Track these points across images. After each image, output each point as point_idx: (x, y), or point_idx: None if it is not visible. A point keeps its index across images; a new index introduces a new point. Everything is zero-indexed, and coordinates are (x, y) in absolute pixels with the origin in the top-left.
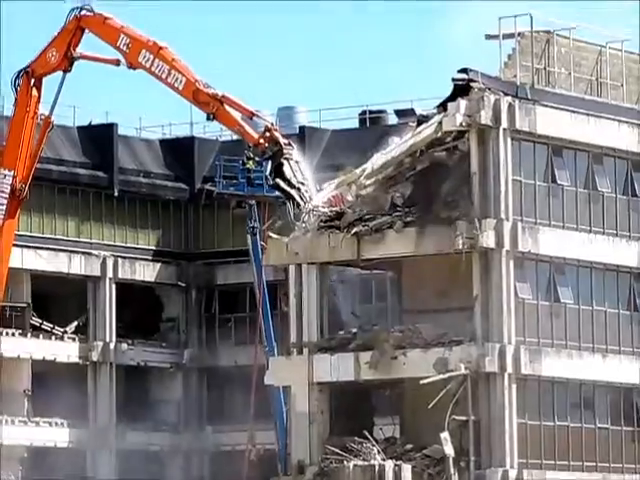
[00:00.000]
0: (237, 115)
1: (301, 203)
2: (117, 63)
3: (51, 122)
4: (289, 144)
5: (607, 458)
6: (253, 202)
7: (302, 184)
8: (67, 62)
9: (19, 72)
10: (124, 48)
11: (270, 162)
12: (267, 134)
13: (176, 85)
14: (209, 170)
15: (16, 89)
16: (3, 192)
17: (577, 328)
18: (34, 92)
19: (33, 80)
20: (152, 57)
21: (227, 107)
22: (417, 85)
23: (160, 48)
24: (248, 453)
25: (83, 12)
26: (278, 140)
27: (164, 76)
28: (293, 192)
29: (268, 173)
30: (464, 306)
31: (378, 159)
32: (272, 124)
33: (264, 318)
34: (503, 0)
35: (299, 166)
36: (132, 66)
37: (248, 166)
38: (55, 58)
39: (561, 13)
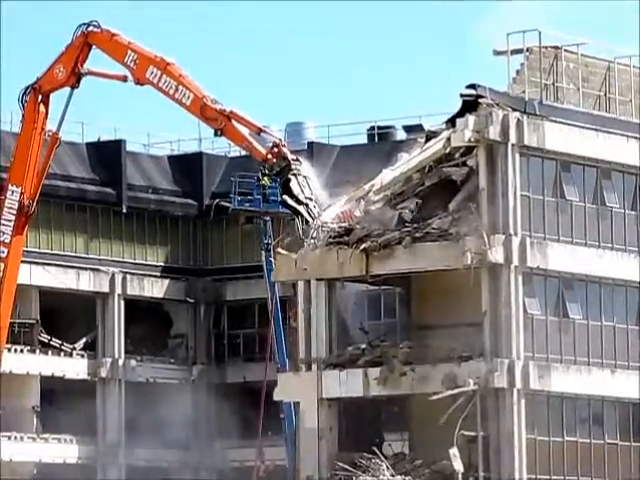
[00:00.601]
0: (245, 131)
1: (309, 219)
2: (124, 79)
3: (58, 138)
4: (297, 159)
5: (616, 474)
6: (268, 218)
7: (310, 199)
8: (74, 78)
9: (26, 88)
10: (131, 64)
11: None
12: (275, 150)
13: (183, 101)
14: (217, 186)
15: (23, 105)
16: (11, 208)
17: (586, 343)
18: (41, 108)
19: (40, 96)
20: (159, 73)
21: (235, 123)
22: (425, 101)
23: (167, 64)
24: (257, 469)
25: (90, 28)
26: (286, 156)
27: (171, 92)
28: (300, 208)
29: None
30: (473, 322)
31: (387, 175)
32: (280, 140)
33: (276, 334)
34: (511, 17)
35: (307, 181)
36: (139, 82)
37: (263, 182)
38: (62, 74)
39: (569, 26)
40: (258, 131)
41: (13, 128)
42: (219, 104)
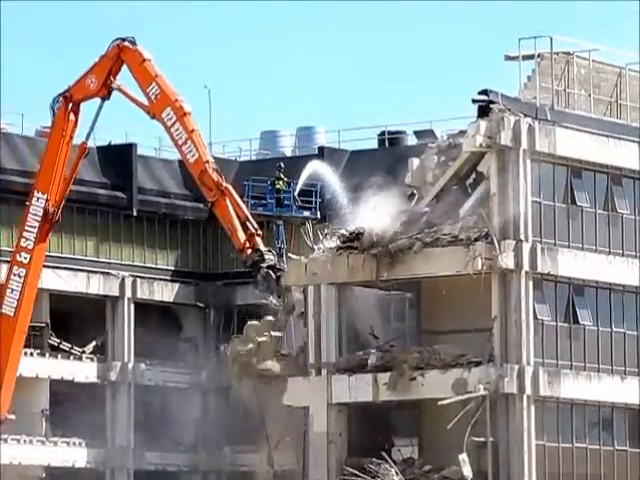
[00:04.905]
0: (233, 213)
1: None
2: (148, 111)
3: (87, 148)
4: (269, 251)
5: None
6: (280, 222)
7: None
8: (106, 90)
9: (58, 96)
10: (152, 97)
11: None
12: (250, 240)
13: (187, 157)
14: None
15: (54, 112)
16: (36, 215)
17: (596, 350)
18: (71, 117)
19: (71, 105)
20: (175, 119)
21: (227, 201)
22: (436, 106)
23: (184, 114)
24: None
25: (125, 43)
26: (259, 247)
27: (180, 142)
28: (271, 298)
29: (294, 196)
30: (483, 327)
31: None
32: (256, 229)
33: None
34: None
35: (277, 275)
36: (154, 117)
37: (278, 186)
38: (94, 85)
39: (579, 31)
40: (244, 218)
41: (24, 132)
42: (218, 174)
